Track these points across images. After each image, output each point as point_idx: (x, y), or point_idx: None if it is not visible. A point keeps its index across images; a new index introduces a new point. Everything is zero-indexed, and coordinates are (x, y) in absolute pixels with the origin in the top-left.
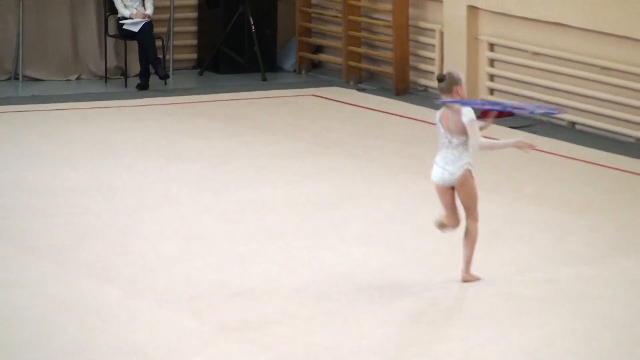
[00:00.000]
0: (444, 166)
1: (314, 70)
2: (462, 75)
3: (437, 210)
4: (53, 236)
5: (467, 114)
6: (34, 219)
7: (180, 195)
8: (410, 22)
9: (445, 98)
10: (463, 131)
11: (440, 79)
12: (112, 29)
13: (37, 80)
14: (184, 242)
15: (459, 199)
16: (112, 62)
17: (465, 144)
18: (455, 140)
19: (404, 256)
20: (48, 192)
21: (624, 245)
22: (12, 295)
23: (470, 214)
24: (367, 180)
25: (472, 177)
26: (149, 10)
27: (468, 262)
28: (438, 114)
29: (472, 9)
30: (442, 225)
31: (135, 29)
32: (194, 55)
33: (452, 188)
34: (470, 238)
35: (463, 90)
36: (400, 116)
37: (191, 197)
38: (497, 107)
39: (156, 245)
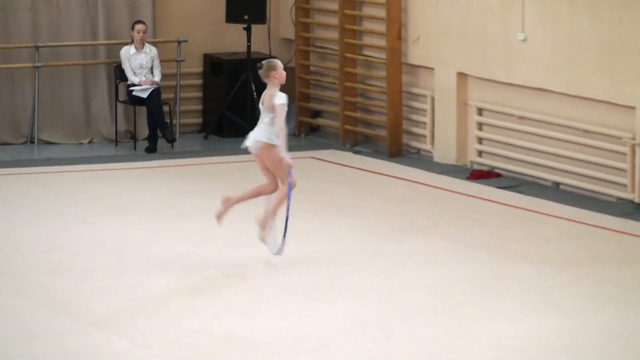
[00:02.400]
0: (253, 135)
1: (312, 134)
2: (280, 61)
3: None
4: (68, 291)
5: (280, 98)
6: (51, 274)
7: (187, 252)
8: (403, 88)
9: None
10: (273, 110)
11: (260, 66)
12: (122, 95)
13: (51, 143)
14: (191, 296)
15: (260, 163)
16: (122, 126)
17: (272, 121)
18: (266, 117)
19: (396, 309)
20: (63, 249)
21: (604, 298)
22: (31, 347)
23: (280, 179)
24: (361, 238)
25: (273, 149)
26: (157, 78)
27: (269, 212)
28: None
29: (462, 76)
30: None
31: (144, 95)
32: (200, 120)
33: None
34: (276, 196)
35: (279, 74)
36: (394, 177)
37: (197, 254)
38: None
39: (165, 299)
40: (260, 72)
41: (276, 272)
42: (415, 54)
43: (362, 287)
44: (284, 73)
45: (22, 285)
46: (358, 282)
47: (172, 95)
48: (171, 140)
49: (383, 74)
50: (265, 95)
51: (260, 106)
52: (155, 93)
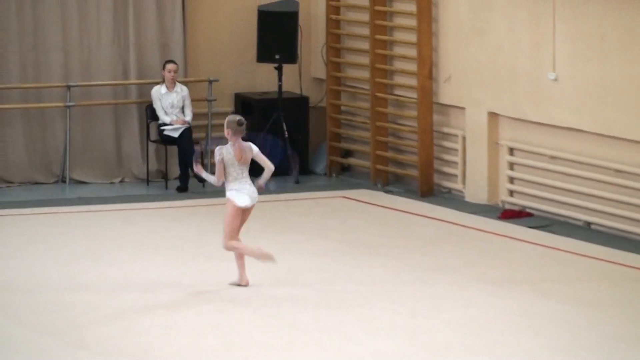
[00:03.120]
0: (252, 194)
1: (343, 173)
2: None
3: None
4: (99, 330)
5: (255, 147)
6: (80, 313)
7: (217, 291)
8: (434, 128)
9: (238, 138)
10: (247, 162)
11: (241, 123)
12: (153, 135)
13: (83, 183)
14: (222, 335)
15: (245, 218)
16: (153, 165)
17: (247, 173)
18: (245, 171)
19: (427, 349)
20: (93, 288)
21: (634, 339)
22: None
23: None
24: (392, 278)
25: None
26: (188, 117)
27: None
28: (229, 151)
29: (493, 116)
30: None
31: (175, 134)
32: None
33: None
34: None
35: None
36: (425, 217)
37: (228, 293)
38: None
39: (197, 338)
40: (242, 127)
41: (306, 311)
42: (447, 94)
43: (392, 326)
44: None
45: (52, 324)
46: (388, 322)
47: (203, 134)
48: (202, 180)
49: (414, 113)
50: (238, 150)
51: (236, 162)
52: (187, 132)
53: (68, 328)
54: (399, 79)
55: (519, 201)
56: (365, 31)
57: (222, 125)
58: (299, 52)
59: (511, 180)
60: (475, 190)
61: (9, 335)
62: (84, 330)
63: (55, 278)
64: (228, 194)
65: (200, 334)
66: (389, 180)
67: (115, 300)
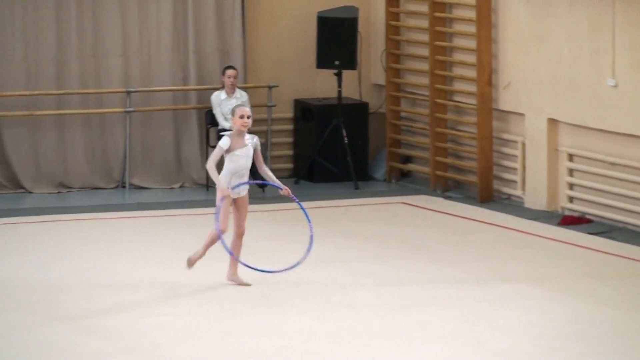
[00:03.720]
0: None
1: (403, 180)
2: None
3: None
4: (157, 335)
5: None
6: (139, 317)
7: (277, 296)
8: (494, 134)
9: None
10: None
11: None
12: (213, 140)
13: (142, 188)
14: (279, 339)
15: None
16: None
17: None
18: None
19: (487, 355)
20: (153, 292)
21: None
22: None
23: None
24: (451, 283)
25: None
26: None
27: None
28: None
29: (552, 122)
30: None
31: None
32: (291, 165)
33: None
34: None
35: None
36: (485, 222)
37: (287, 297)
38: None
39: (256, 341)
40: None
41: (366, 316)
42: (506, 100)
43: (451, 332)
44: (237, 120)
45: (111, 328)
46: (448, 328)
47: (263, 140)
48: (262, 186)
49: (473, 119)
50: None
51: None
52: None
53: (121, 331)
54: (458, 85)
55: (579, 207)
56: (425, 37)
57: (281, 131)
58: (358, 58)
59: (571, 186)
60: (535, 196)
61: (70, 342)
62: (139, 336)
63: (115, 282)
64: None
65: (260, 336)
66: (449, 186)
67: (177, 305)
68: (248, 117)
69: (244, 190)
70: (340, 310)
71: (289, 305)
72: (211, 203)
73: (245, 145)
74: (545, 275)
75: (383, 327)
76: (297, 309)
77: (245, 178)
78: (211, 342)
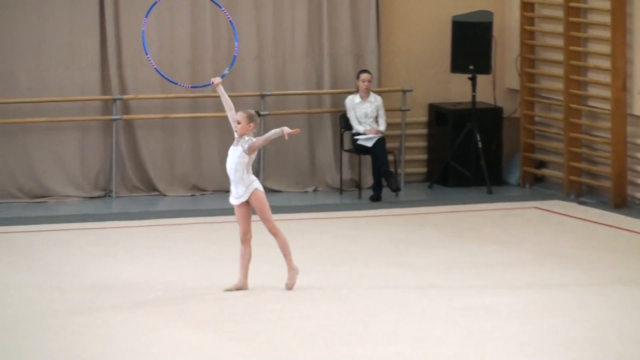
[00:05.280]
0: None
1: (537, 184)
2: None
3: None
4: (289, 339)
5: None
6: (273, 321)
7: (408, 300)
8: (628, 139)
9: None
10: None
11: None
12: (347, 144)
13: (276, 191)
14: (411, 344)
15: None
16: (347, 175)
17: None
18: None
19: None
20: (287, 297)
21: None
22: None
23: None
24: (582, 288)
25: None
26: (382, 127)
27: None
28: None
29: None
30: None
31: (369, 144)
32: (424, 169)
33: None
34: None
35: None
36: (618, 228)
37: (419, 302)
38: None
39: (387, 346)
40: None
41: (497, 321)
42: None
43: (581, 338)
44: (240, 125)
45: (244, 330)
46: (577, 333)
47: (397, 144)
48: (396, 190)
49: (607, 124)
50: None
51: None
52: (380, 142)
53: (262, 334)
54: (592, 90)
55: None
56: (560, 42)
57: (415, 135)
58: (492, 63)
59: None
60: None
61: (208, 346)
62: (273, 339)
63: (250, 285)
64: (256, 184)
65: (391, 340)
66: (582, 191)
67: (303, 308)
68: (238, 123)
69: (234, 200)
70: (476, 315)
71: (419, 310)
72: (345, 207)
73: (236, 145)
74: None
75: (520, 332)
76: (427, 313)
77: (234, 184)
78: (340, 346)
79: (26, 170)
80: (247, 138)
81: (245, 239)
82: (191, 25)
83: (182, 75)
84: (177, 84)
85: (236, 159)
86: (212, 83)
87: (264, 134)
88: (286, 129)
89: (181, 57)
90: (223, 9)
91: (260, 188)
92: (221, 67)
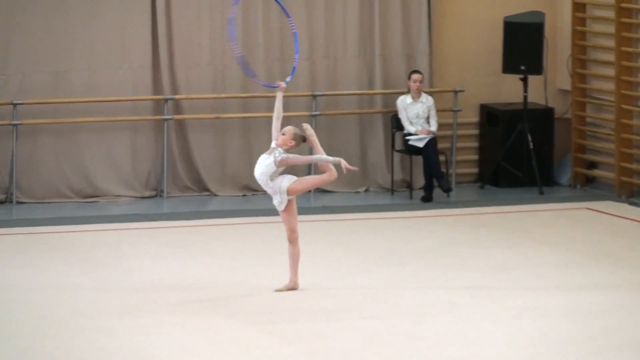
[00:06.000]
0: None
1: (588, 185)
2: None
3: None
4: (341, 339)
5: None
6: (325, 321)
7: (460, 301)
8: None
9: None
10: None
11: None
12: (398, 145)
13: (328, 192)
14: (463, 345)
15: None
16: (398, 175)
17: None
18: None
19: None
20: (338, 297)
21: None
22: None
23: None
24: (635, 290)
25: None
26: (434, 127)
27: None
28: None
29: None
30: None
31: (420, 144)
32: (476, 170)
33: None
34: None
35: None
36: None
37: (471, 303)
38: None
39: (438, 348)
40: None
41: (550, 322)
42: None
43: (633, 339)
44: (283, 137)
45: (296, 331)
46: (628, 334)
47: (448, 144)
48: (447, 190)
49: None
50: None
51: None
52: (432, 143)
53: (313, 336)
54: None
55: None
56: (611, 43)
57: (467, 136)
58: (544, 64)
59: None
60: None
61: (253, 343)
62: (327, 340)
63: (301, 285)
64: (286, 182)
65: (442, 343)
66: (633, 192)
67: (359, 310)
68: (283, 134)
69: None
70: (528, 315)
71: (471, 311)
72: (396, 207)
73: (268, 154)
74: None
75: (572, 332)
76: (482, 313)
77: (263, 188)
78: (395, 347)
79: (78, 170)
80: (281, 150)
81: (292, 238)
82: (242, 23)
83: (237, 73)
84: (255, 77)
85: (263, 167)
86: (279, 86)
87: (311, 154)
88: (344, 162)
89: (232, 58)
90: (291, 19)
91: (292, 181)
92: (273, 68)
